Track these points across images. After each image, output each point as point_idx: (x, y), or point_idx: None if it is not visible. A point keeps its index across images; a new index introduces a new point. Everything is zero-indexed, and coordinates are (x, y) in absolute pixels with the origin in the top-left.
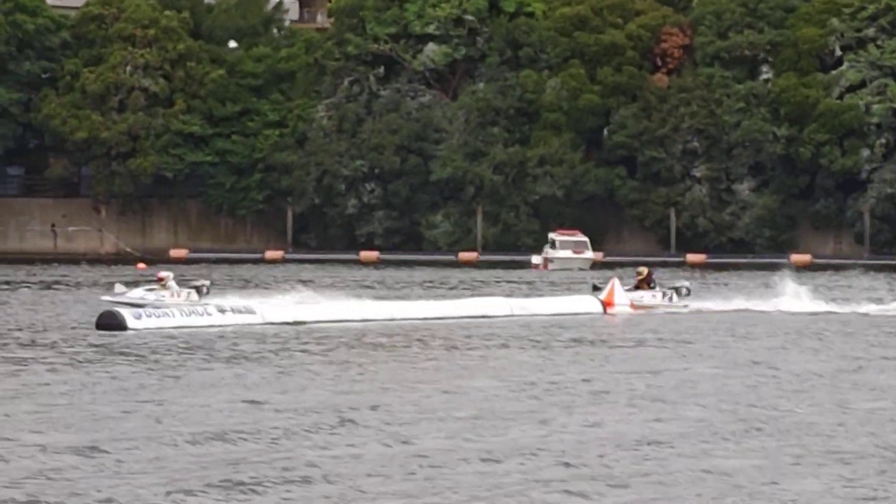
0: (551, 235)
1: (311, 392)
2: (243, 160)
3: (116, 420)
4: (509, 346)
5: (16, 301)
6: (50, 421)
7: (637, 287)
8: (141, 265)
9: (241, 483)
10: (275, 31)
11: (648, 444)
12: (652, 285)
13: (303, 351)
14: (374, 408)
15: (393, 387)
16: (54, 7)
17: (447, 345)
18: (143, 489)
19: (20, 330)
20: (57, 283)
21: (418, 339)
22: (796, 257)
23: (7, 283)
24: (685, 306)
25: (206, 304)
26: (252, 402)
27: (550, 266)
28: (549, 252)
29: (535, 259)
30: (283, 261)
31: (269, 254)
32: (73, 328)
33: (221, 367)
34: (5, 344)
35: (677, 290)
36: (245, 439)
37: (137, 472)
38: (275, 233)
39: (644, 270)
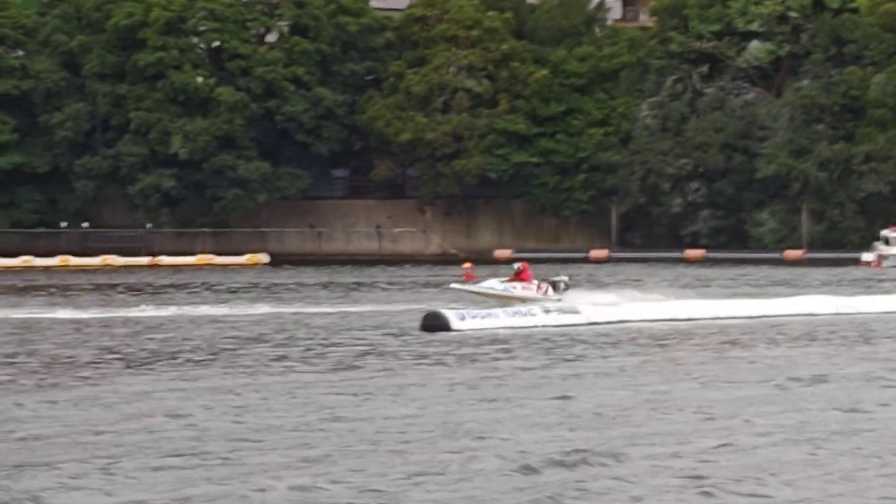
0: (884, 232)
1: (628, 390)
2: (567, 160)
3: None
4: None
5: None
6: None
7: None
8: (466, 266)
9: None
10: (597, 30)
11: None
12: None
13: (630, 352)
14: (697, 406)
15: (709, 383)
16: (377, 9)
17: (771, 343)
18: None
19: (355, 330)
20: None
21: (740, 338)
22: None
23: (358, 283)
24: None
25: (530, 305)
26: (561, 398)
27: (885, 263)
28: (882, 249)
29: (867, 256)
30: (608, 260)
31: (594, 253)
32: (400, 329)
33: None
34: (339, 344)
35: None
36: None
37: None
38: (599, 232)
39: None
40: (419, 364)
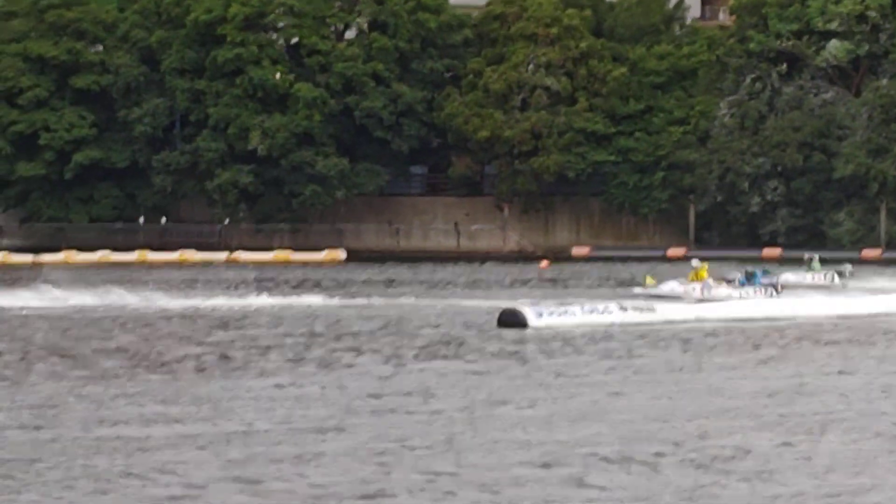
0: None
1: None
2: (646, 158)
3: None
4: None
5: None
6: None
7: None
8: (544, 263)
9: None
10: (676, 28)
11: None
12: None
13: (707, 350)
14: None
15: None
16: (456, 6)
17: (850, 342)
18: None
19: (434, 327)
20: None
21: (812, 337)
22: None
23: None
24: None
25: (607, 302)
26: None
27: None
28: None
29: None
30: (686, 258)
31: (672, 251)
32: (477, 326)
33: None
34: (418, 341)
35: None
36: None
37: None
38: (677, 231)
39: None
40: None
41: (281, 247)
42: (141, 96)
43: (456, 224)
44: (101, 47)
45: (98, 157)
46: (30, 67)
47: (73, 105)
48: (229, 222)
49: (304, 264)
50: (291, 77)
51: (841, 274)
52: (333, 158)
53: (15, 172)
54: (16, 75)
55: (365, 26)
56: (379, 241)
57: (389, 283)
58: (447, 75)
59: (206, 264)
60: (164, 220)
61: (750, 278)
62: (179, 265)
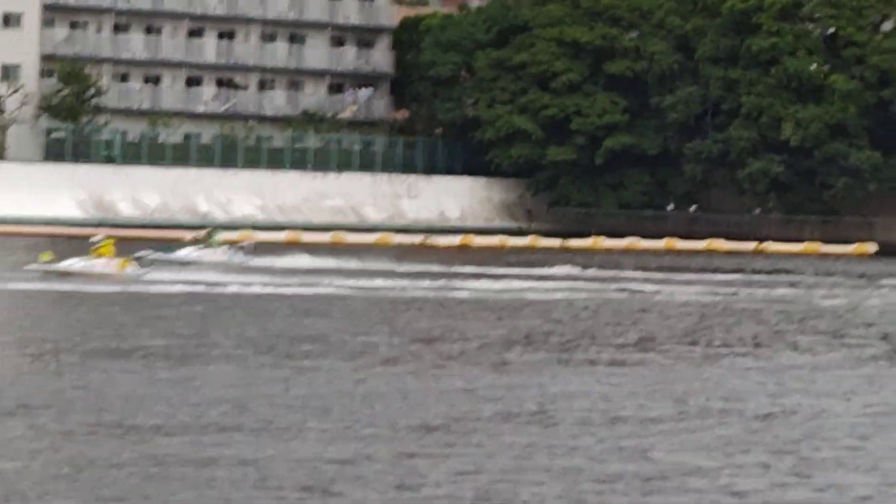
0: None
1: None
2: None
3: None
4: None
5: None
6: None
7: None
8: None
9: None
10: None
11: None
12: None
13: None
14: None
15: None
16: None
17: None
18: None
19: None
20: None
21: None
22: None
23: None
24: None
25: None
26: None
27: None
28: None
29: None
30: None
31: None
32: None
33: None
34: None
35: None
36: None
37: None
38: None
39: None
40: None
41: (811, 238)
42: (674, 84)
43: None
44: (636, 34)
45: (629, 144)
46: (564, 52)
47: (605, 90)
48: (759, 212)
49: (832, 256)
50: (826, 68)
51: (243, 249)
52: (867, 151)
53: (546, 156)
54: (550, 59)
55: None
56: None
57: None
58: None
59: (734, 254)
60: (693, 208)
61: None
62: (707, 254)
